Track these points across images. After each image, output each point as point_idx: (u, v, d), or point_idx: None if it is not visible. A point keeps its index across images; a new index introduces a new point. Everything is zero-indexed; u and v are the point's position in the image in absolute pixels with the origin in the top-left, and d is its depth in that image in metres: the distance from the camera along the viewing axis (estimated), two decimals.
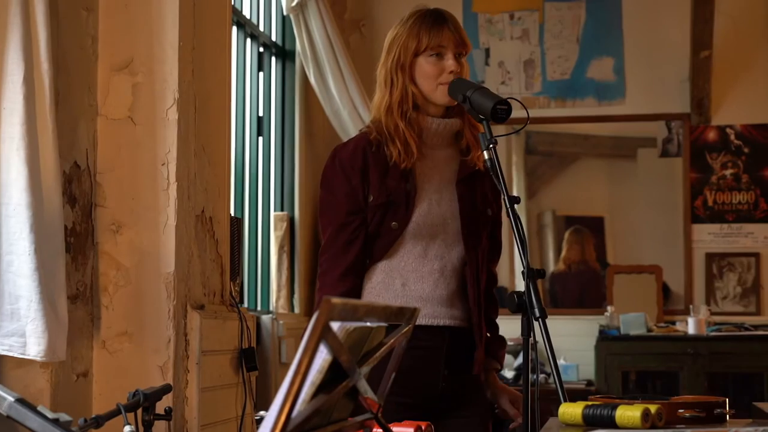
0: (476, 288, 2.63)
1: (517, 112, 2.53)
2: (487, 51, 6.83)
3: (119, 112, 3.24)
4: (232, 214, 3.85)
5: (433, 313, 2.60)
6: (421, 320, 2.55)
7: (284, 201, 6.03)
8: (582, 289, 6.77)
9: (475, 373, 2.63)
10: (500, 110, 2.40)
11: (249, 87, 5.62)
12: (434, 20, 2.63)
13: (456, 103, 2.59)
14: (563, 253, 6.74)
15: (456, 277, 2.64)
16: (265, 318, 5.14)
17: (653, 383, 6.22)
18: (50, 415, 1.71)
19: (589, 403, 1.78)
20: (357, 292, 2.61)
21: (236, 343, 3.61)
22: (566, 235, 6.74)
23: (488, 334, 2.69)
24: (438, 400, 2.61)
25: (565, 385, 2.20)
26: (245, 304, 5.33)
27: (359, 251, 2.59)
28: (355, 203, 2.60)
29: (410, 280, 2.60)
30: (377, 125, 2.65)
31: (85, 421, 2.15)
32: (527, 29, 6.81)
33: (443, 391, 2.61)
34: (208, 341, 3.33)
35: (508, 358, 6.05)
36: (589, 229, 6.77)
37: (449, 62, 2.61)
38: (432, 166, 2.65)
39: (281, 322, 5.28)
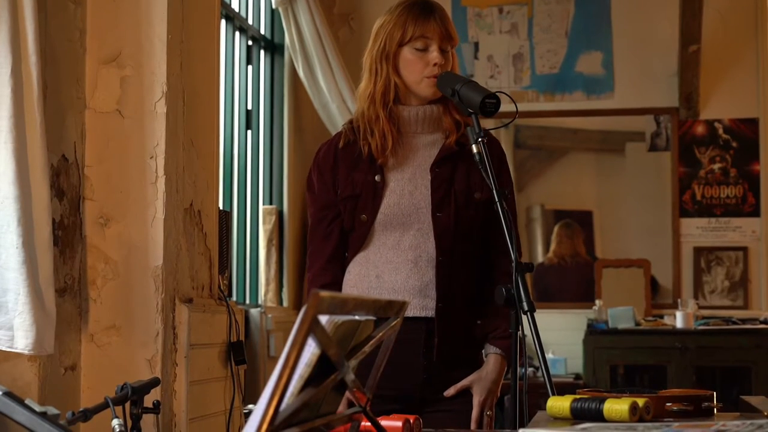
0: (447, 276, 2.56)
1: (505, 106, 2.53)
2: (476, 45, 6.83)
3: (107, 105, 3.23)
4: (221, 208, 3.84)
5: None
6: None
7: (273, 194, 6.02)
8: (570, 282, 6.78)
9: (434, 361, 2.58)
10: (489, 104, 2.40)
11: (238, 80, 5.62)
12: (421, 10, 2.60)
13: (440, 95, 2.58)
14: (552, 246, 6.75)
15: (433, 267, 2.58)
16: (254, 311, 5.14)
17: (641, 377, 6.23)
18: (38, 408, 1.71)
19: (577, 396, 1.78)
20: (340, 283, 2.63)
21: (225, 337, 3.60)
22: (556, 228, 6.75)
23: (479, 321, 2.63)
24: (420, 391, 2.59)
25: (553, 379, 2.20)
26: (234, 298, 5.32)
27: (336, 243, 2.64)
28: (327, 198, 2.64)
29: (385, 271, 2.58)
30: (359, 115, 2.65)
31: (73, 414, 2.15)
32: (516, 23, 6.81)
33: (425, 382, 2.59)
34: (196, 335, 3.33)
35: None
36: (577, 223, 6.78)
37: (433, 55, 2.57)
38: (408, 155, 2.62)
39: (270, 315, 5.28)
